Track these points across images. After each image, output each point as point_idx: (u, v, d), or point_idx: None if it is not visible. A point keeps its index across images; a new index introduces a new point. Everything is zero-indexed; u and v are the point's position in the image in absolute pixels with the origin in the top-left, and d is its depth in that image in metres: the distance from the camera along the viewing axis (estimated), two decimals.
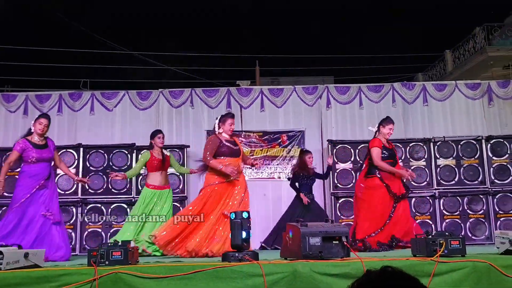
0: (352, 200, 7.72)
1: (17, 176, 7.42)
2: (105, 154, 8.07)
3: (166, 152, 6.79)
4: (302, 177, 7.60)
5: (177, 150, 8.27)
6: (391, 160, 6.14)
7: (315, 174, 7.74)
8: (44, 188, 5.49)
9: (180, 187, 8.14)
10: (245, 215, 4.09)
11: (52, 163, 5.77)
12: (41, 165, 5.51)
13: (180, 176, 8.10)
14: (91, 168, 8.07)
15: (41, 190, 5.47)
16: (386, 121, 6.32)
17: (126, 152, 8.15)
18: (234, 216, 4.11)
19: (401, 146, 8.12)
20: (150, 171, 6.57)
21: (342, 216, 7.97)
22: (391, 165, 6.09)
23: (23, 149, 5.48)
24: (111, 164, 8.06)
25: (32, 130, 5.61)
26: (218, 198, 5.63)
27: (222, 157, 5.75)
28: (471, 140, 8.28)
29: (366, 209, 6.09)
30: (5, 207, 6.95)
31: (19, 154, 5.50)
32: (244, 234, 3.99)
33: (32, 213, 5.37)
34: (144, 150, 6.86)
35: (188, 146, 8.48)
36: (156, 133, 6.75)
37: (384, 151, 6.11)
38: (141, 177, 7.73)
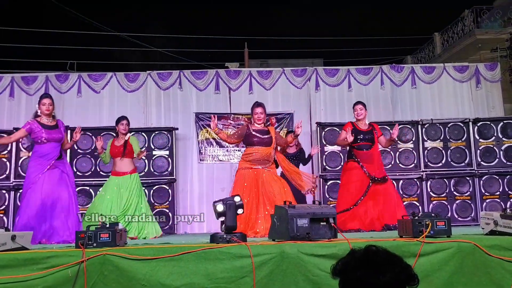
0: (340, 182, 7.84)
1: (4, 159, 7.50)
2: (93, 137, 8.00)
3: (126, 137, 6.51)
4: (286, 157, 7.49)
5: (166, 133, 8.24)
6: (366, 143, 6.28)
7: (299, 155, 7.52)
8: (55, 168, 5.53)
9: (169, 169, 8.13)
10: (236, 199, 4.09)
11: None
12: (51, 145, 5.56)
13: (169, 158, 8.08)
14: (78, 150, 8.04)
15: (54, 169, 5.51)
16: (354, 105, 6.57)
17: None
18: (228, 199, 4.10)
19: (389, 128, 8.15)
20: (113, 157, 6.45)
21: (330, 198, 8.02)
22: (366, 148, 6.25)
23: (31, 129, 5.55)
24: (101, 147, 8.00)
25: (39, 113, 5.65)
26: (250, 182, 5.73)
27: (252, 147, 5.86)
28: (459, 123, 8.34)
29: (342, 187, 6.42)
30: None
31: (26, 133, 5.63)
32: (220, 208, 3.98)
33: (47, 192, 5.40)
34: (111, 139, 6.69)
35: (177, 129, 8.45)
36: (119, 120, 6.58)
37: (358, 135, 6.26)
38: None
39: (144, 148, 7.62)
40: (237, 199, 4.08)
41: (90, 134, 8.01)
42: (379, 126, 6.73)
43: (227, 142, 6.45)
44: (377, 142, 6.40)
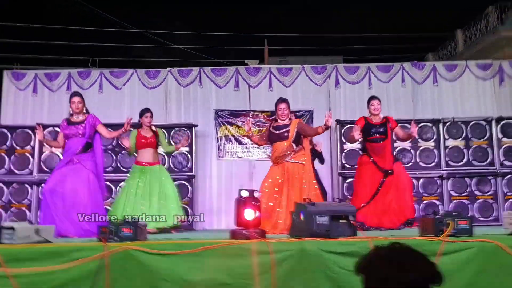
0: None
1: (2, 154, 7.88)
2: None
3: (154, 128, 6.63)
4: None
5: (185, 129, 8.28)
6: (379, 136, 6.25)
7: (312, 153, 7.48)
8: (77, 163, 5.61)
9: (189, 165, 8.17)
10: (244, 193, 4.11)
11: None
12: (72, 140, 5.70)
13: (188, 154, 8.12)
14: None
15: (74, 164, 5.61)
16: (369, 100, 6.56)
17: (132, 129, 8.14)
18: (243, 194, 4.13)
19: (409, 126, 8.05)
20: (138, 148, 6.52)
21: (349, 196, 7.96)
22: (379, 141, 6.23)
23: (62, 128, 5.82)
24: (119, 142, 8.09)
25: (71, 111, 5.85)
26: (274, 178, 5.83)
27: (273, 144, 5.98)
28: (481, 121, 8.22)
29: (357, 184, 6.45)
30: None
31: (61, 133, 5.85)
32: (249, 213, 4.01)
33: (62, 187, 5.49)
34: (133, 130, 6.72)
35: (196, 125, 8.50)
36: (143, 112, 6.66)
37: (371, 128, 6.26)
38: None
39: (188, 134, 7.64)
40: (244, 193, 4.10)
41: (111, 130, 8.06)
42: (400, 125, 6.66)
43: (259, 145, 6.52)
44: (390, 135, 6.34)
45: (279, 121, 6.03)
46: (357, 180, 6.47)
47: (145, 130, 6.59)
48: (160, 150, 7.00)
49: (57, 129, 6.67)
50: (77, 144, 5.68)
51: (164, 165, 8.00)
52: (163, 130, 8.04)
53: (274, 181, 5.78)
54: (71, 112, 5.85)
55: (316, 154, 7.51)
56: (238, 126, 8.81)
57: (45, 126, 7.98)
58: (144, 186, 6.31)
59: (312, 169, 6.10)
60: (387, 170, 6.11)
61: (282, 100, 6.14)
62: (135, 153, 6.67)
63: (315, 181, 5.89)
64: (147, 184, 6.32)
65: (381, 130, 6.27)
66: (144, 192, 6.27)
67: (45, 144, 6.97)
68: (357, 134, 6.12)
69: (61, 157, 6.37)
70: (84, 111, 5.90)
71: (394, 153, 6.47)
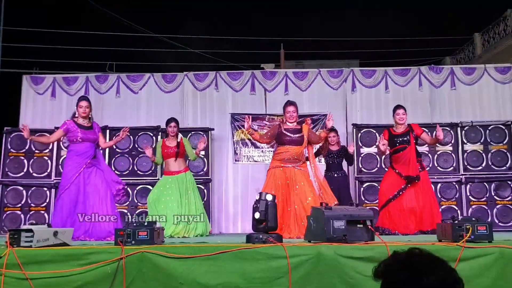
0: (376, 184, 7.78)
1: (21, 157, 8.00)
2: (131, 136, 8.15)
3: (180, 139, 6.73)
4: (327, 156, 7.43)
5: (202, 133, 8.31)
6: (402, 146, 6.23)
7: (341, 152, 7.47)
8: (92, 167, 5.70)
9: (205, 169, 8.20)
10: (269, 197, 4.10)
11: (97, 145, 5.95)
12: (87, 145, 5.72)
13: (205, 158, 8.15)
14: (117, 150, 8.19)
15: (90, 168, 5.68)
16: (395, 108, 6.47)
17: (152, 135, 8.24)
18: (258, 197, 4.13)
19: (427, 130, 7.96)
20: (165, 158, 6.65)
21: (366, 201, 7.92)
22: (402, 150, 6.21)
23: (68, 129, 5.74)
24: (136, 146, 8.17)
25: (76, 114, 5.83)
26: (280, 181, 5.77)
27: (284, 146, 5.90)
28: (500, 125, 8.12)
29: (380, 192, 6.40)
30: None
31: (63, 133, 5.81)
32: (257, 215, 4.00)
33: (85, 191, 5.57)
34: (160, 139, 6.94)
35: (213, 129, 8.53)
36: (168, 122, 6.76)
37: (395, 139, 6.25)
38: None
39: (203, 137, 7.52)
40: (269, 197, 4.09)
41: (128, 134, 8.11)
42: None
43: (260, 142, 6.51)
44: (413, 142, 6.28)
45: (287, 123, 6.00)
46: (381, 189, 6.42)
47: (170, 139, 6.69)
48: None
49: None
50: (91, 150, 5.75)
51: None
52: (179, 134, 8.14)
53: (279, 184, 5.74)
54: (76, 115, 5.82)
55: (347, 155, 7.50)
56: (254, 130, 8.82)
57: None
58: (172, 195, 6.42)
59: (316, 172, 6.03)
60: (410, 176, 6.07)
61: (290, 103, 6.15)
62: (162, 163, 6.82)
63: (316, 186, 5.85)
64: (175, 192, 6.44)
65: (403, 139, 6.25)
66: (172, 200, 6.40)
67: (32, 140, 6.82)
68: (381, 145, 6.14)
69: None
70: (90, 116, 5.91)
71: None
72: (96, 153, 5.88)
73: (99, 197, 5.61)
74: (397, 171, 6.16)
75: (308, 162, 6.09)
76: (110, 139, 8.08)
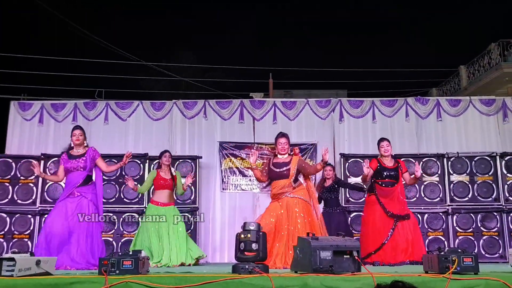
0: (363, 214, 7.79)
1: (6, 184, 8.06)
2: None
3: (174, 172, 6.92)
4: (322, 193, 7.32)
5: (189, 161, 8.30)
6: (390, 180, 6.26)
7: (335, 185, 7.34)
8: (78, 196, 5.67)
9: (192, 197, 8.16)
10: (252, 226, 4.10)
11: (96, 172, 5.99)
12: (73, 174, 5.75)
13: (192, 186, 8.10)
14: (104, 177, 8.07)
15: (74, 197, 5.66)
16: (379, 141, 6.55)
17: (139, 162, 8.21)
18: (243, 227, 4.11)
19: (414, 161, 8.03)
20: (156, 189, 6.73)
21: (354, 231, 7.90)
22: (390, 185, 6.23)
23: (63, 162, 5.84)
24: (124, 173, 8.11)
25: (72, 144, 5.90)
26: (272, 213, 5.78)
27: (273, 181, 5.93)
28: (485, 157, 8.21)
29: (365, 224, 6.39)
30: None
31: (62, 167, 5.86)
32: (243, 246, 3.99)
33: (61, 220, 5.52)
34: (153, 170, 7.05)
35: (201, 157, 8.52)
36: (162, 153, 6.92)
37: (384, 172, 6.27)
38: (152, 187, 7.73)
39: (191, 173, 7.59)
40: (252, 226, 4.08)
41: (115, 161, 8.06)
42: (403, 159, 6.69)
43: (260, 181, 6.34)
44: (401, 180, 6.34)
45: (278, 156, 6.00)
46: (366, 221, 6.40)
47: (164, 171, 6.78)
48: None
49: None
50: (78, 178, 5.74)
51: None
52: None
53: (273, 215, 5.73)
54: (72, 145, 5.90)
55: (341, 183, 7.49)
56: (242, 159, 8.82)
57: (50, 157, 8.05)
58: (160, 227, 6.48)
59: (316, 204, 6.00)
60: (397, 215, 6.09)
61: (282, 134, 6.14)
62: (144, 192, 6.97)
63: (317, 217, 5.82)
64: (162, 224, 6.49)
65: (393, 173, 6.28)
66: (160, 232, 6.47)
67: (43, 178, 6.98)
68: (365, 168, 6.15)
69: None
70: (85, 144, 5.97)
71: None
72: (95, 179, 5.93)
73: (77, 231, 5.52)
74: (383, 205, 6.15)
75: (304, 184, 6.01)
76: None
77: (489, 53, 15.09)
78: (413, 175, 6.36)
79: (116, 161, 8.03)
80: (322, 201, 7.42)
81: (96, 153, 5.95)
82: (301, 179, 6.05)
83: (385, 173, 6.26)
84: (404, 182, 6.49)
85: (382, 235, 6.05)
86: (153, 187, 6.85)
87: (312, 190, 6.05)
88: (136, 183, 6.89)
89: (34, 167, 5.94)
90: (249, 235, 4.05)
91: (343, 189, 8.01)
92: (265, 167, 6.11)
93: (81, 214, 5.57)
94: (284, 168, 5.86)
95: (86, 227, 5.55)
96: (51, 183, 7.97)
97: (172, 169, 6.94)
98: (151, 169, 8.12)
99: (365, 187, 7.05)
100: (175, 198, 7.06)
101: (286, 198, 5.78)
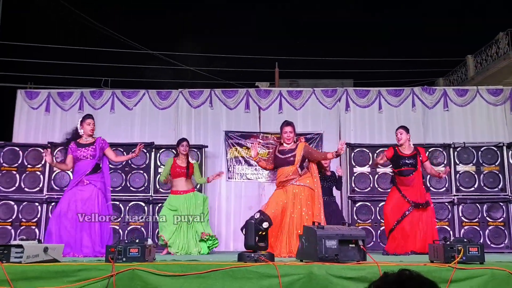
0: (369, 204, 7.82)
1: (13, 172, 8.10)
2: (125, 153, 8.12)
3: (191, 160, 6.98)
4: (320, 179, 7.40)
5: (195, 150, 8.31)
6: (406, 168, 6.20)
7: (332, 178, 7.37)
8: (88, 184, 5.71)
9: (198, 187, 8.16)
10: (265, 225, 4.10)
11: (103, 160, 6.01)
12: (83, 162, 5.78)
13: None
14: (110, 165, 8.11)
15: (84, 185, 5.70)
16: (396, 129, 6.51)
17: (145, 151, 8.22)
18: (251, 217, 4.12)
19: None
20: (173, 177, 6.77)
21: (358, 220, 7.92)
22: (407, 173, 6.18)
23: (71, 151, 5.86)
24: (130, 162, 8.13)
25: (81, 132, 5.91)
26: (277, 201, 5.77)
27: (279, 168, 5.94)
28: (492, 147, 8.17)
29: (385, 208, 6.38)
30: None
31: (71, 156, 5.87)
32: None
33: (72, 207, 5.57)
34: (170, 158, 7.14)
35: (206, 146, 8.54)
36: (180, 141, 6.96)
37: (400, 160, 6.23)
38: (158, 175, 7.76)
39: (222, 172, 7.66)
40: (265, 225, 4.08)
41: (122, 150, 8.12)
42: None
43: (267, 169, 6.48)
44: (420, 167, 6.29)
45: (284, 144, 6.00)
46: (386, 205, 6.39)
47: (181, 159, 6.82)
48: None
49: None
50: (87, 166, 5.77)
51: None
52: (173, 150, 8.15)
53: (278, 203, 5.73)
54: (80, 133, 5.91)
55: (335, 179, 7.38)
56: (247, 148, 8.82)
57: (56, 145, 8.09)
58: (181, 214, 6.55)
59: (320, 192, 5.99)
60: (418, 203, 6.08)
61: (287, 123, 6.11)
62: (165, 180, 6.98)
63: (320, 204, 5.82)
64: (184, 211, 6.58)
65: (409, 162, 6.22)
66: (181, 219, 6.53)
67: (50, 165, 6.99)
68: (379, 159, 6.14)
69: (71, 176, 6.44)
70: (93, 133, 6.00)
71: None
72: (103, 167, 5.95)
73: (88, 217, 5.58)
74: (402, 193, 6.14)
75: (311, 173, 6.02)
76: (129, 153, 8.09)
77: (497, 42, 14.97)
78: (438, 172, 6.39)
79: (122, 150, 8.10)
80: None
81: (105, 143, 5.99)
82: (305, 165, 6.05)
83: (401, 162, 6.21)
84: (424, 169, 6.45)
85: (397, 215, 6.07)
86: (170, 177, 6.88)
87: (315, 175, 6.02)
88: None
89: (46, 155, 5.94)
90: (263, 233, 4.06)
91: (348, 178, 8.02)
92: (271, 155, 6.13)
93: (90, 203, 5.62)
94: (290, 155, 5.86)
95: (95, 217, 5.60)
96: (58, 171, 8.01)
97: (191, 159, 7.01)
98: (157, 158, 8.17)
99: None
100: (194, 184, 7.07)
101: (291, 186, 5.76)
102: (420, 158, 6.28)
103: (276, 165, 5.97)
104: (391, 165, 6.51)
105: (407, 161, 6.21)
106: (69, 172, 7.62)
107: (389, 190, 6.67)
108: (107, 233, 5.67)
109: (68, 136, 6.00)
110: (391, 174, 6.67)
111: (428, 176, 8.02)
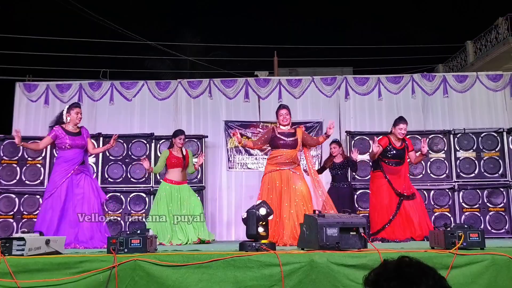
0: (369, 191, 7.81)
1: (14, 165, 8.02)
2: (124, 144, 8.15)
3: (184, 151, 6.91)
4: (331, 169, 7.59)
5: (195, 140, 8.31)
6: (395, 160, 6.22)
7: (346, 164, 7.52)
8: (81, 173, 5.67)
9: (198, 177, 8.19)
10: (262, 211, 4.10)
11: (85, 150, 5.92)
12: (75, 151, 5.68)
13: (199, 166, 8.13)
14: (110, 157, 8.17)
15: (78, 174, 5.65)
16: (398, 121, 6.38)
17: (145, 142, 8.22)
18: (252, 206, 4.13)
19: (420, 138, 7.99)
20: (169, 167, 6.74)
21: (359, 208, 7.94)
22: (395, 164, 6.20)
23: (56, 136, 5.68)
24: (130, 153, 8.15)
25: (67, 120, 5.76)
26: (277, 182, 5.76)
27: (278, 149, 5.91)
28: (492, 133, 8.16)
29: (373, 201, 6.41)
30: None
31: (51, 140, 5.72)
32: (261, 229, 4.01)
33: (71, 196, 5.53)
34: (165, 149, 7.02)
35: (206, 136, 8.53)
36: (177, 134, 6.86)
37: (390, 151, 6.22)
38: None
39: (202, 153, 7.71)
40: (262, 211, 4.07)
41: (122, 141, 8.13)
42: (409, 136, 6.64)
43: (254, 148, 6.51)
44: (406, 159, 6.32)
45: (281, 127, 6.01)
46: (373, 197, 6.41)
47: (176, 150, 6.78)
48: None
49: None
50: (79, 156, 5.71)
51: None
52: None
53: (272, 191, 5.74)
54: (65, 120, 5.75)
55: (352, 164, 7.51)
56: (248, 137, 8.81)
57: None
58: (173, 204, 6.53)
59: (316, 178, 6.05)
60: (403, 194, 6.09)
61: (283, 106, 6.18)
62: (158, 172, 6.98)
63: (314, 191, 5.88)
64: (176, 202, 6.55)
65: (398, 153, 6.23)
66: (174, 210, 6.51)
67: (23, 147, 6.56)
68: (375, 147, 6.11)
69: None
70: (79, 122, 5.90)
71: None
72: (85, 159, 5.86)
73: (88, 203, 5.58)
74: (390, 182, 6.14)
75: (302, 166, 6.11)
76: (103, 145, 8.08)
77: (497, 27, 14.90)
78: (419, 152, 6.36)
79: (122, 141, 8.10)
80: (331, 177, 7.64)
81: (88, 133, 5.93)
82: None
83: (390, 153, 6.22)
84: (409, 160, 6.46)
85: (389, 212, 6.06)
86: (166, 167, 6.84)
87: (310, 160, 6.13)
88: (151, 166, 6.89)
89: (16, 134, 5.64)
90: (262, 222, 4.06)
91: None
92: (264, 135, 6.11)
93: (85, 191, 5.61)
94: (292, 138, 5.90)
95: (92, 205, 5.60)
96: None
97: (184, 149, 6.94)
98: (157, 149, 8.16)
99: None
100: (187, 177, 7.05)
101: (286, 171, 5.79)
102: (407, 148, 6.31)
103: (274, 145, 5.95)
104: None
105: (396, 152, 6.23)
106: None
107: None
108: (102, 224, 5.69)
109: (52, 124, 5.89)
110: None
111: (429, 163, 8.06)
